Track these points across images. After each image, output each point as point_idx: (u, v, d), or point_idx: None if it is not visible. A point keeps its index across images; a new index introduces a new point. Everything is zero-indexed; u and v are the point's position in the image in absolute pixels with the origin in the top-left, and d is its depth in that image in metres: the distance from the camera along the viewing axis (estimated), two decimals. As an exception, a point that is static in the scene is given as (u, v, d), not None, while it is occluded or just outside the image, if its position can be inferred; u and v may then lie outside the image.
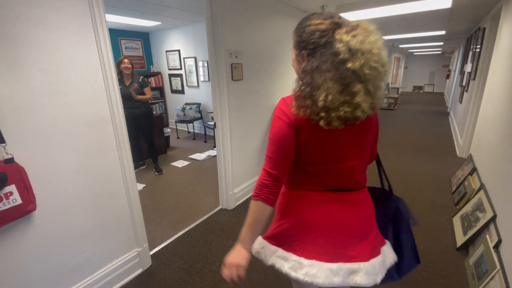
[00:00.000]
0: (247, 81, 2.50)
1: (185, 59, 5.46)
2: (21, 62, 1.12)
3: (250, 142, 2.71)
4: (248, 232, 0.81)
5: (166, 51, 5.74)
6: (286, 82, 3.14)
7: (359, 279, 0.76)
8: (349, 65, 0.67)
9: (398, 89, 9.86)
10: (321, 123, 0.71)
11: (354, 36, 0.67)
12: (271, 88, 2.90)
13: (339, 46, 0.68)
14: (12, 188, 1.11)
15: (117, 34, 5.36)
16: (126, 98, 3.03)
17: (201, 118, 5.38)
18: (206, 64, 5.13)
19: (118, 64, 3.04)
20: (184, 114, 5.18)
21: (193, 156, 4.11)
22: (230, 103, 2.33)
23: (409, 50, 11.04)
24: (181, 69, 5.65)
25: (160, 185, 3.18)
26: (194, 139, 5.26)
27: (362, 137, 0.81)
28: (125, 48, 5.52)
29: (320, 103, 0.69)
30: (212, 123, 4.74)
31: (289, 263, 0.81)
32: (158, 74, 6.03)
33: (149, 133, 3.41)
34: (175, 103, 6.04)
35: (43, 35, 1.17)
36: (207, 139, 5.15)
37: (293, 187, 0.87)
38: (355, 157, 0.81)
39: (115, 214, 1.59)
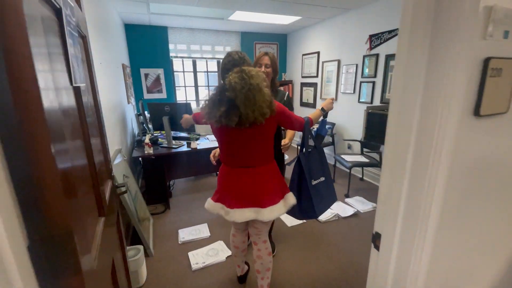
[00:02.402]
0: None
1: (324, 63, 4.09)
2: None
3: None
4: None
5: (303, 55, 4.61)
6: None
7: (263, 216, 1.31)
8: (227, 93, 1.20)
9: None
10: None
11: (233, 75, 1.19)
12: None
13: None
14: None
15: (252, 38, 4.78)
16: None
17: (332, 144, 3.83)
18: (353, 70, 3.53)
19: (254, 64, 1.95)
20: (310, 137, 3.81)
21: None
22: (452, 183, 0.63)
23: None
24: (317, 76, 4.34)
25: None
26: (318, 172, 3.78)
27: (252, 139, 1.29)
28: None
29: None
30: (349, 158, 3.05)
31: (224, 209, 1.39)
32: (289, 83, 5.03)
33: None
34: (302, 120, 4.81)
35: None
36: (337, 177, 3.52)
37: (223, 162, 1.44)
38: (250, 149, 1.32)
39: None
